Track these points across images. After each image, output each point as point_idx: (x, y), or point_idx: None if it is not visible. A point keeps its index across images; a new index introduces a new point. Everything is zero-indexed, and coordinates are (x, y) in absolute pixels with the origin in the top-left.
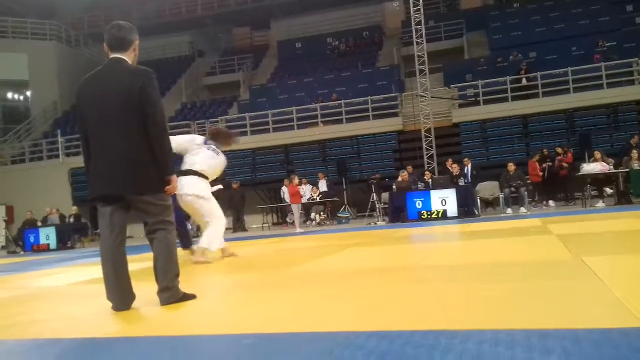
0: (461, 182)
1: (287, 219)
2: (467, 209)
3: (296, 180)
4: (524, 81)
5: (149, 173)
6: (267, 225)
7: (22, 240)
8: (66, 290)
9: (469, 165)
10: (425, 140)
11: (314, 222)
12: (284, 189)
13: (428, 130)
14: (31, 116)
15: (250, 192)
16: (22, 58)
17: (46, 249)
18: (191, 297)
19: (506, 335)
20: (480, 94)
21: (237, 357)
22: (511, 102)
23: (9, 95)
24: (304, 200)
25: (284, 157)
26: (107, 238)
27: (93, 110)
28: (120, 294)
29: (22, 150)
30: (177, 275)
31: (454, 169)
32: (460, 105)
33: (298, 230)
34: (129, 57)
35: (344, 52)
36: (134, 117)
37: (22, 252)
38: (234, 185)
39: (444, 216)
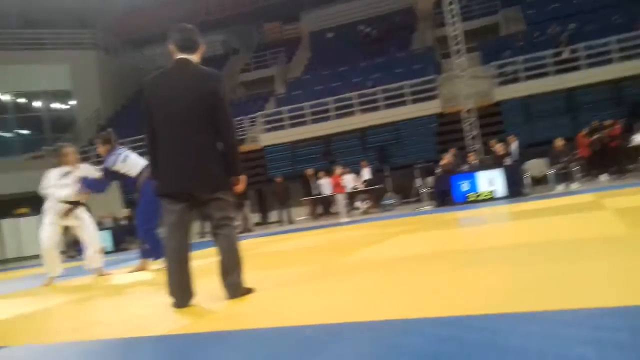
0: (507, 162)
1: (331, 210)
2: (515, 189)
3: (338, 171)
4: (565, 54)
5: (219, 172)
6: (312, 216)
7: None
8: (125, 291)
9: (515, 144)
10: (467, 122)
11: (359, 211)
12: (321, 181)
13: (469, 111)
14: (76, 124)
15: (294, 185)
16: (64, 69)
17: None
18: (251, 291)
19: (572, 315)
20: (521, 71)
21: (301, 349)
22: (553, 77)
23: (54, 105)
24: (347, 190)
25: (324, 148)
26: (173, 235)
27: (164, 109)
28: (182, 291)
29: None
30: (242, 269)
31: (499, 149)
32: (501, 84)
33: (344, 220)
34: (196, 58)
35: (377, 38)
36: (205, 117)
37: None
38: (278, 180)
39: (492, 197)
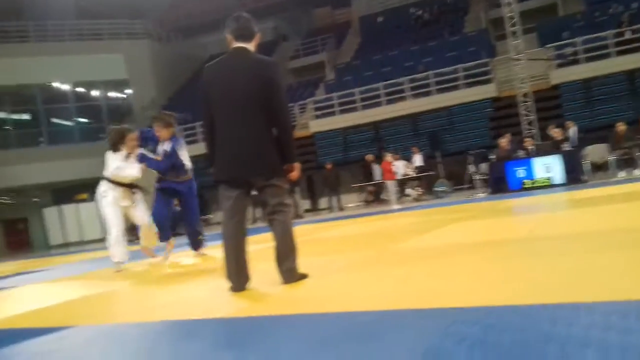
0: (565, 147)
1: (382, 196)
2: (574, 176)
3: (388, 157)
4: (627, 34)
5: (275, 158)
6: (362, 203)
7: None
8: (182, 274)
9: (573, 129)
10: (523, 106)
11: (410, 198)
12: (373, 166)
13: (525, 95)
14: (133, 113)
15: (344, 171)
16: (119, 58)
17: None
18: (306, 276)
19: (636, 306)
20: (580, 52)
21: (356, 335)
22: (615, 58)
23: (111, 94)
24: (398, 176)
25: (375, 134)
26: (230, 220)
27: (222, 96)
28: (239, 275)
29: None
30: (297, 255)
31: (557, 134)
32: (559, 66)
33: (395, 207)
34: (252, 47)
35: (429, 21)
36: (261, 105)
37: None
38: (328, 166)
39: (549, 184)
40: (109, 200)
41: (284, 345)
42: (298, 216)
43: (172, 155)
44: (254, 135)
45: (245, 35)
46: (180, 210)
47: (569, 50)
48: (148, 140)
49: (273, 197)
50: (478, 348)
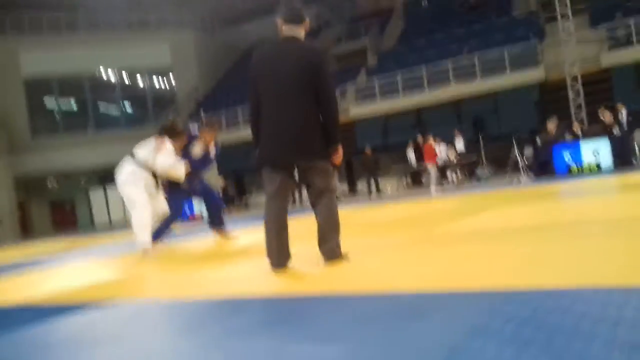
0: (615, 131)
1: (423, 180)
2: (624, 160)
3: (431, 140)
4: None
5: (321, 142)
6: (402, 188)
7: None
8: (224, 252)
9: (624, 112)
10: (572, 90)
11: (450, 183)
12: (409, 151)
13: (574, 79)
14: (176, 101)
15: (384, 156)
16: (164, 47)
17: (197, 219)
18: (346, 257)
19: None
20: (633, 34)
21: (400, 314)
22: None
23: (156, 83)
24: (439, 160)
25: (416, 120)
26: (274, 202)
27: (271, 81)
28: (280, 254)
29: None
30: (339, 237)
31: (607, 117)
32: (610, 48)
33: (434, 191)
34: (302, 32)
35: (475, 3)
36: (309, 91)
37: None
38: (367, 151)
39: (597, 169)
40: (140, 184)
41: (328, 323)
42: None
43: (213, 160)
44: (300, 119)
45: (296, 21)
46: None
47: (621, 31)
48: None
49: (318, 181)
50: (526, 328)
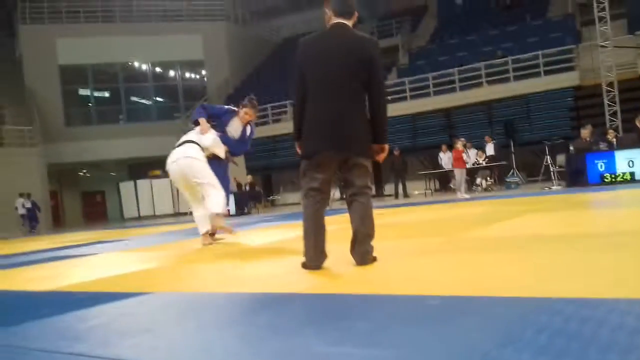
0: None
1: (451, 185)
2: None
3: (459, 145)
4: None
5: (367, 138)
6: (429, 191)
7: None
8: (254, 250)
9: None
10: (607, 96)
11: (479, 188)
12: (442, 154)
13: (610, 85)
14: (207, 94)
15: (412, 158)
16: (197, 39)
17: (227, 214)
18: (376, 259)
19: None
20: None
21: (426, 317)
22: None
23: (187, 74)
24: (468, 165)
25: (446, 121)
26: (314, 199)
27: (319, 71)
28: (317, 253)
29: None
30: (373, 239)
31: None
32: None
33: (461, 196)
34: (351, 24)
35: (510, 4)
36: (360, 83)
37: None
38: (396, 152)
39: (631, 179)
40: (205, 162)
41: (356, 322)
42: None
43: (249, 141)
44: (350, 112)
45: (346, 11)
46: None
47: None
48: (220, 117)
49: (359, 178)
50: (560, 338)
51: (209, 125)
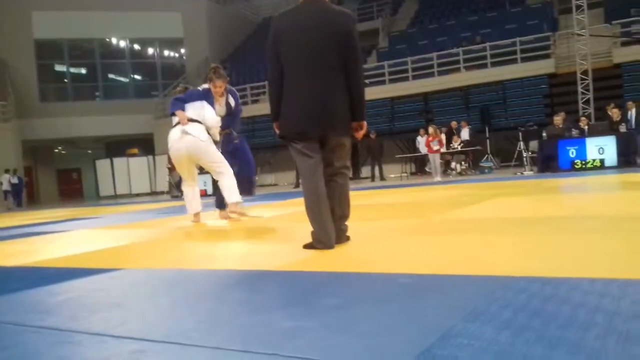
0: (622, 129)
1: (426, 168)
2: (628, 159)
3: (431, 130)
4: None
5: (347, 115)
6: (405, 175)
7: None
8: (233, 229)
9: (633, 110)
10: (581, 84)
11: (454, 172)
12: (419, 138)
13: (584, 73)
14: (186, 72)
15: (389, 141)
16: (177, 16)
17: (204, 194)
18: (349, 238)
19: None
20: None
21: (396, 294)
22: None
23: (166, 52)
24: (443, 149)
25: (424, 106)
26: (310, 175)
27: (296, 48)
28: (332, 233)
29: None
30: (348, 219)
31: (615, 114)
32: (623, 44)
33: (437, 179)
34: None
35: None
36: (336, 57)
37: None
38: (372, 135)
39: (601, 166)
40: (210, 141)
41: (325, 299)
42: None
43: (239, 109)
44: (330, 90)
45: None
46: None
47: (636, 28)
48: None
49: (338, 159)
50: (522, 314)
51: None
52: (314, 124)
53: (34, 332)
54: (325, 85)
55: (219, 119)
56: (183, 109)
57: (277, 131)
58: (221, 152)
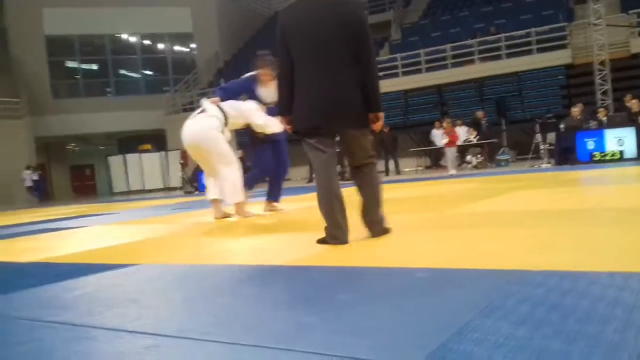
0: None
1: (441, 162)
2: None
3: (446, 124)
4: None
5: (361, 107)
6: (420, 168)
7: (196, 181)
8: (247, 224)
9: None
10: (599, 75)
11: (469, 165)
12: (434, 131)
13: (602, 63)
14: (197, 67)
15: (403, 135)
16: (186, 11)
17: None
18: (389, 230)
19: None
20: None
21: (412, 289)
22: None
23: (176, 47)
24: (459, 142)
25: (438, 98)
26: (323, 170)
27: (305, 39)
28: (345, 229)
29: (191, 99)
30: (382, 208)
31: (634, 105)
32: None
33: (451, 172)
34: None
35: None
36: (347, 47)
37: (196, 192)
38: (385, 129)
39: (620, 158)
40: (224, 138)
41: (340, 294)
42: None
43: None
44: (342, 81)
45: None
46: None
47: None
48: (237, 93)
49: (359, 150)
50: (540, 309)
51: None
52: (325, 119)
53: (50, 327)
54: (335, 78)
55: (265, 116)
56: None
57: (285, 126)
58: (263, 141)
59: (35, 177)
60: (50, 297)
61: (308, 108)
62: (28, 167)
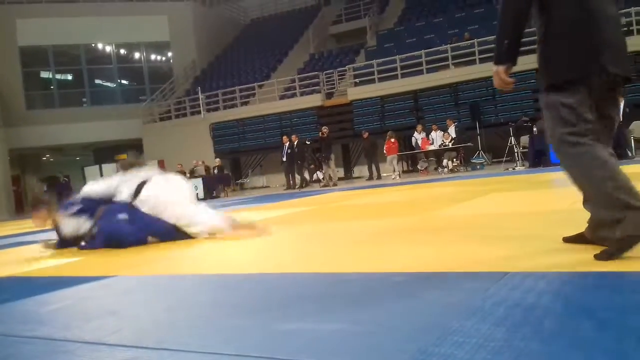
0: None
1: (419, 166)
2: (618, 151)
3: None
4: None
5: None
6: (397, 173)
7: None
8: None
9: (622, 103)
10: None
11: (446, 169)
12: (416, 135)
13: None
14: (173, 76)
15: (381, 140)
16: (162, 20)
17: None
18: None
19: None
20: (634, 23)
21: (392, 294)
22: None
23: (152, 56)
24: (434, 147)
25: (413, 104)
26: (597, 142)
27: None
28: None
29: (168, 108)
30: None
31: None
32: None
33: (430, 177)
34: None
35: None
36: None
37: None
38: (364, 135)
39: None
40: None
41: (319, 300)
42: (334, 184)
43: None
44: (616, 15)
45: None
46: None
47: (623, 20)
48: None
49: (614, 107)
50: (518, 310)
51: None
52: (617, 62)
53: (26, 342)
54: (616, 10)
55: None
56: None
57: (503, 77)
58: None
59: None
60: (26, 311)
61: (590, 47)
62: None
